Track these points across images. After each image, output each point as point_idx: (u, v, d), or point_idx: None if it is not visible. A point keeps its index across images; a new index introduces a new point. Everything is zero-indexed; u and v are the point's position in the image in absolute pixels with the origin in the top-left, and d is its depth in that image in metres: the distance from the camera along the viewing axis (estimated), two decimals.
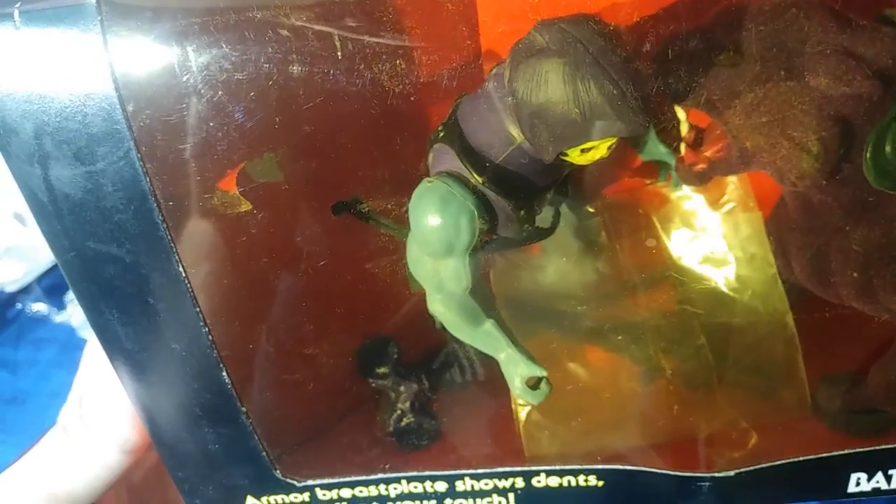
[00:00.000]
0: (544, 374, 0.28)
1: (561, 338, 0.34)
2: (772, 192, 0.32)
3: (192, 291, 0.28)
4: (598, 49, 0.23)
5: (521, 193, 0.27)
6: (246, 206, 0.30)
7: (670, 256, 0.33)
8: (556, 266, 0.34)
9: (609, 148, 0.25)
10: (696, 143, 0.30)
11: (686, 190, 0.32)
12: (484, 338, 0.29)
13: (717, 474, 0.30)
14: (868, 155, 0.23)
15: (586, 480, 0.30)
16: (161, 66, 0.26)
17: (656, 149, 0.30)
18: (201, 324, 0.28)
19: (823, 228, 0.27)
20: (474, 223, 0.26)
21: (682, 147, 0.30)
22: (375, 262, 0.32)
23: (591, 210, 0.34)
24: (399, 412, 0.36)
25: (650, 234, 0.34)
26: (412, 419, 0.36)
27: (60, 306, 0.61)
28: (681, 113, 0.28)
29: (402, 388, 0.36)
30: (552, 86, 0.23)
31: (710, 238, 0.33)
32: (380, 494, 0.31)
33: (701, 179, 0.30)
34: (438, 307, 0.28)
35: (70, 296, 0.60)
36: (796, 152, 0.24)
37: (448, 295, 0.28)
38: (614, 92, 0.23)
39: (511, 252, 0.33)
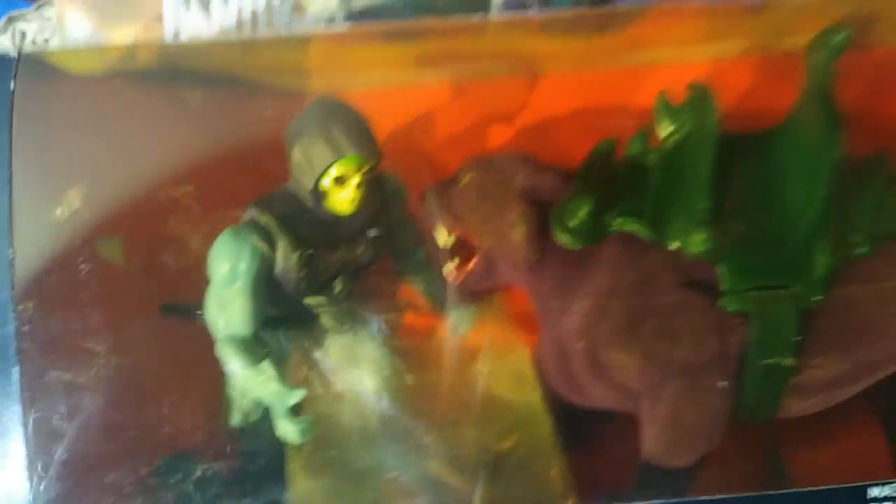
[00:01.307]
0: (303, 394, 0.30)
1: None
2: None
3: None
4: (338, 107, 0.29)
5: (300, 234, 0.30)
6: None
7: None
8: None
9: (357, 186, 0.29)
10: (461, 261, 0.33)
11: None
12: (258, 376, 0.30)
13: None
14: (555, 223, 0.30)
15: None
16: None
17: (419, 273, 0.34)
18: None
19: (555, 320, 0.31)
20: (256, 253, 0.29)
21: (449, 265, 0.33)
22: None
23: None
24: None
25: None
26: None
27: None
28: (441, 231, 0.32)
29: None
30: (306, 128, 0.29)
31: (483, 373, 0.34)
32: None
33: (464, 295, 0.33)
34: (225, 348, 0.30)
35: None
36: (508, 234, 0.30)
37: (231, 336, 0.30)
38: (351, 128, 0.29)
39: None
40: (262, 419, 0.32)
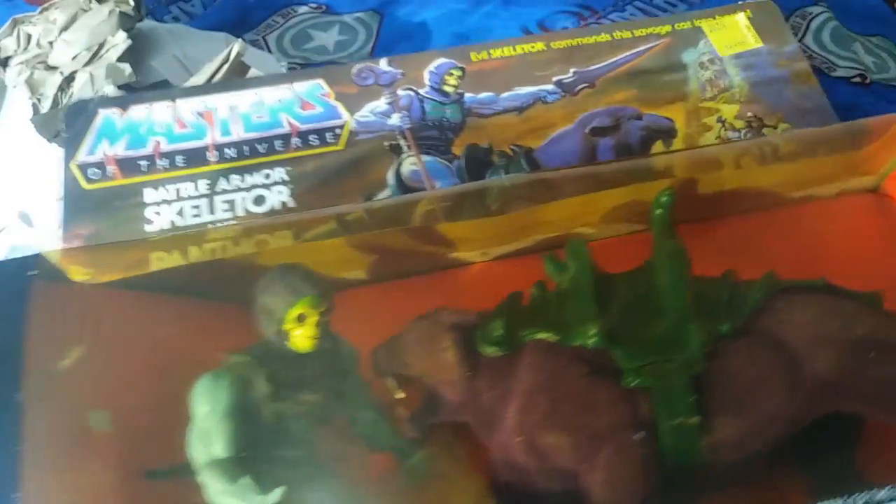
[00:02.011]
0: (283, 490, 0.33)
1: None
2: None
3: None
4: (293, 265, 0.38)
5: (272, 370, 0.36)
6: None
7: None
8: None
9: (316, 325, 0.36)
10: (409, 403, 0.39)
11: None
12: (238, 491, 0.33)
13: None
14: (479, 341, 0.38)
15: None
16: None
17: (388, 440, 0.39)
18: None
19: (495, 426, 0.37)
20: (233, 386, 0.35)
21: (400, 409, 0.39)
22: None
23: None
24: None
25: None
26: None
27: None
28: (390, 382, 0.39)
29: None
30: (268, 282, 0.37)
31: None
32: None
33: (415, 430, 0.39)
34: (206, 475, 0.34)
35: None
36: (444, 358, 0.38)
37: (213, 461, 0.34)
38: (307, 276, 0.37)
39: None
40: None
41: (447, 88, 0.54)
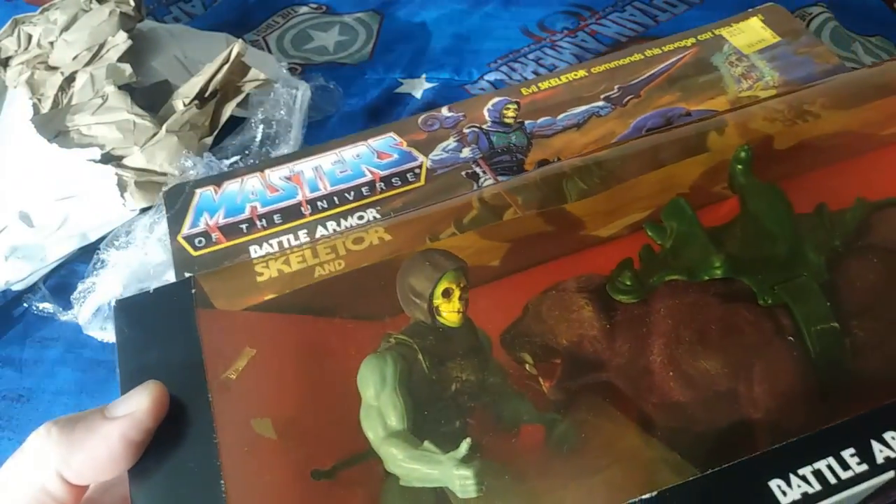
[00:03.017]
0: (469, 442, 0.34)
1: None
2: None
3: None
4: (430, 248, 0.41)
5: (427, 346, 0.38)
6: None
7: None
8: None
9: (460, 298, 0.39)
10: (548, 374, 0.40)
11: None
12: (423, 456, 0.35)
13: None
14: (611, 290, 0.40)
15: None
16: None
17: (533, 415, 0.39)
18: None
19: (642, 370, 0.38)
20: (397, 361, 0.37)
21: (541, 381, 0.40)
22: None
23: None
24: None
25: None
26: None
27: (66, 306, 0.57)
28: (525, 358, 0.41)
29: None
30: (411, 266, 0.40)
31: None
32: None
33: (565, 400, 0.39)
34: (386, 448, 0.35)
35: (76, 295, 0.56)
36: (580, 317, 0.40)
37: (392, 433, 0.35)
38: (446, 254, 0.40)
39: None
40: None
41: (507, 121, 0.59)
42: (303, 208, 0.54)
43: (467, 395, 0.39)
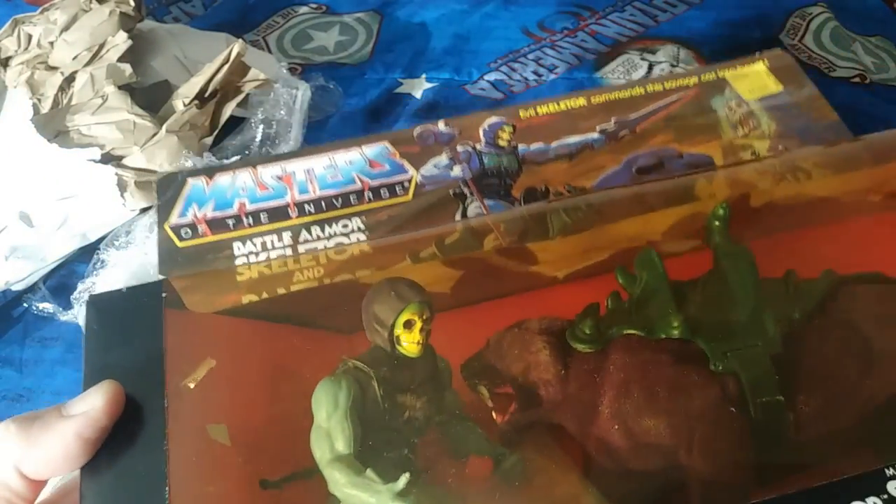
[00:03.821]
0: (408, 477, 0.36)
1: None
2: None
3: None
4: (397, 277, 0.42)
5: (383, 374, 0.39)
6: None
7: None
8: None
9: (421, 330, 0.40)
10: (502, 409, 0.42)
11: None
12: (363, 483, 0.36)
13: None
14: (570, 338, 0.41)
15: None
16: None
17: (483, 447, 0.40)
18: None
19: (590, 418, 0.39)
20: (351, 387, 0.38)
21: (494, 415, 0.41)
22: None
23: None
24: None
25: None
26: None
27: (66, 305, 0.58)
28: (482, 391, 0.42)
29: None
30: (377, 293, 0.41)
31: None
32: None
33: (515, 436, 0.41)
34: (329, 471, 0.36)
35: (76, 295, 0.56)
36: (537, 359, 0.41)
37: (337, 457, 0.37)
38: (411, 285, 0.41)
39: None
40: None
41: (501, 143, 0.59)
42: (290, 210, 0.55)
43: (418, 424, 0.40)
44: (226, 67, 0.58)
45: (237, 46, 0.58)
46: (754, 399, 0.38)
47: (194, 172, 0.57)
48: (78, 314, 0.56)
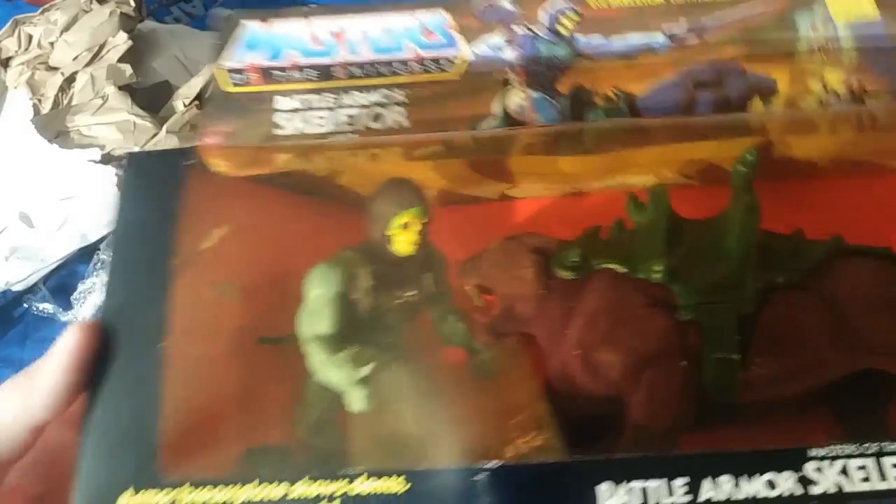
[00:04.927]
0: (372, 367, 0.39)
1: None
2: None
3: None
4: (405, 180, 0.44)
5: (374, 268, 0.42)
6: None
7: None
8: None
9: (418, 232, 0.42)
10: (485, 311, 0.45)
11: None
12: (335, 363, 0.39)
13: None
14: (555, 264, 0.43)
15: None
16: None
17: (462, 339, 0.44)
18: None
19: (557, 340, 0.42)
20: (343, 274, 0.41)
21: (478, 315, 0.44)
22: None
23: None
24: None
25: None
26: None
27: (66, 306, 0.60)
28: (472, 291, 0.45)
29: None
30: (381, 193, 0.43)
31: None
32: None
33: (489, 335, 0.44)
34: (309, 346, 0.40)
35: (76, 295, 0.58)
36: (522, 275, 0.43)
37: (317, 336, 0.40)
38: (415, 191, 0.43)
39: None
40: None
41: (562, 31, 0.57)
42: (338, 70, 0.56)
43: (404, 314, 0.43)
44: None
45: None
46: (710, 353, 0.39)
47: (248, 15, 0.58)
48: (78, 314, 0.57)
